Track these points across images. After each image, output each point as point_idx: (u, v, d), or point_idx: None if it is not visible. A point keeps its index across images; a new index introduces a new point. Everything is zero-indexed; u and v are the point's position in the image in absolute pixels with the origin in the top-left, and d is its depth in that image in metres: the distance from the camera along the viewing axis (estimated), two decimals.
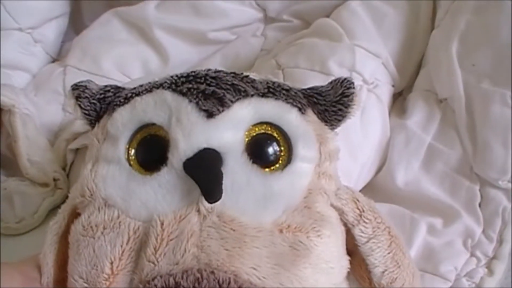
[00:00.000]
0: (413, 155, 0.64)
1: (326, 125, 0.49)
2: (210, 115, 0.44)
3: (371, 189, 0.64)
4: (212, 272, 0.40)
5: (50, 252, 0.46)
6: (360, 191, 0.64)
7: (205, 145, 0.43)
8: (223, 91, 0.45)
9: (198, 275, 0.40)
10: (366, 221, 0.47)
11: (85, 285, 0.42)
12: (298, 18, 0.79)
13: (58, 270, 0.46)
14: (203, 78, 0.47)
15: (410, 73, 0.71)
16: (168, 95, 0.46)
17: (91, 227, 0.43)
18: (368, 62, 0.67)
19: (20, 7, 0.75)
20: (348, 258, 0.46)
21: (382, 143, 0.65)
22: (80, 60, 0.76)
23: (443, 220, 0.61)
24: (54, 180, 0.66)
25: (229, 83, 0.46)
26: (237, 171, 0.43)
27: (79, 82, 0.50)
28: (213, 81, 0.46)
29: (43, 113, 0.70)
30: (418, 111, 0.66)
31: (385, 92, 0.68)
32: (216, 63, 0.78)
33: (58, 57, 0.83)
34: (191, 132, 0.43)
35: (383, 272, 0.46)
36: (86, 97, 0.48)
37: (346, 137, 0.62)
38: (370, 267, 0.46)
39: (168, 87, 0.47)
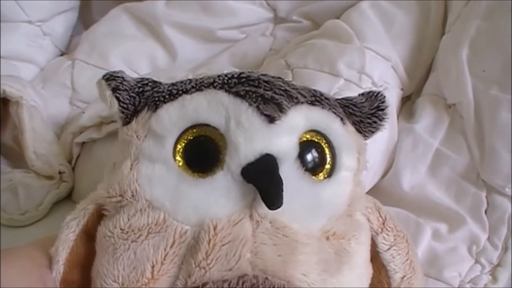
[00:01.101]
0: (420, 160, 0.64)
1: (360, 135, 0.49)
2: (271, 120, 0.43)
3: (377, 192, 0.64)
4: (267, 278, 0.39)
5: (63, 250, 0.44)
6: (366, 194, 0.64)
7: (266, 151, 0.42)
8: (279, 96, 0.44)
9: (254, 281, 0.39)
10: (389, 229, 0.47)
11: None
12: (308, 19, 0.79)
13: (68, 269, 0.44)
14: (256, 81, 0.45)
15: (419, 77, 0.71)
16: (224, 96, 0.44)
17: (133, 230, 0.41)
18: (377, 64, 0.67)
19: (30, 0, 0.75)
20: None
21: (389, 146, 0.65)
22: (88, 55, 0.75)
23: (448, 226, 0.61)
24: (60, 173, 0.65)
25: (283, 88, 0.45)
26: (290, 178, 0.42)
27: (114, 72, 0.47)
28: (267, 85, 0.45)
29: (50, 106, 0.70)
30: (426, 116, 0.66)
31: (394, 95, 0.68)
32: (224, 62, 0.78)
33: (67, 50, 0.83)
34: (253, 137, 0.42)
35: (403, 277, 0.47)
36: (125, 89, 0.45)
37: None
38: (390, 273, 0.47)
39: (221, 87, 0.45)
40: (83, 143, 0.67)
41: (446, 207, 0.61)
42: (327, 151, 0.45)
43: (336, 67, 0.65)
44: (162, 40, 0.78)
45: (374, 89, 0.65)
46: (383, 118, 0.49)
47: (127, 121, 0.46)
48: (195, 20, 0.77)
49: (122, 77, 0.46)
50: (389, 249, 0.47)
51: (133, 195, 0.43)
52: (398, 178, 0.63)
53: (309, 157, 0.44)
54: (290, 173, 0.42)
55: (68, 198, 0.66)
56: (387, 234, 0.47)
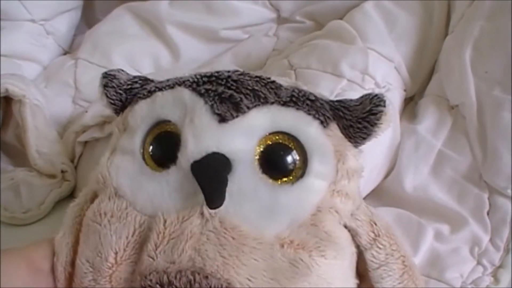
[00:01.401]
0: (422, 160, 0.64)
1: (350, 141, 0.46)
2: (222, 119, 0.43)
3: (379, 193, 0.64)
4: (206, 277, 0.40)
5: (71, 233, 0.47)
6: (368, 194, 0.64)
7: (214, 149, 0.42)
8: (241, 95, 0.44)
9: (191, 277, 0.40)
10: (380, 246, 0.45)
11: (90, 269, 0.43)
12: (311, 20, 0.79)
13: (76, 252, 0.46)
14: (224, 80, 0.46)
15: (422, 78, 0.71)
16: (187, 94, 0.45)
17: (100, 214, 0.44)
18: (380, 65, 0.67)
19: None
20: (357, 281, 0.45)
21: (391, 147, 0.65)
22: (91, 54, 0.76)
23: (450, 227, 0.60)
24: (62, 172, 0.65)
25: (250, 88, 0.45)
26: (245, 179, 0.42)
27: (109, 71, 0.50)
28: (234, 84, 0.45)
29: (53, 104, 0.70)
30: (429, 117, 0.66)
31: (397, 96, 0.68)
32: (227, 62, 0.78)
33: (70, 49, 0.83)
34: (201, 134, 0.43)
35: None
36: (113, 86, 0.49)
37: None
38: None
39: (189, 86, 0.46)
40: (86, 142, 0.67)
41: (448, 208, 0.61)
42: (296, 154, 0.44)
43: (339, 67, 0.65)
44: (165, 39, 0.78)
45: (376, 90, 0.65)
46: (375, 124, 0.45)
47: (117, 115, 0.50)
48: (198, 20, 0.77)
49: (114, 75, 0.50)
50: (378, 268, 0.45)
51: (104, 182, 0.46)
52: (401, 178, 0.63)
53: (272, 159, 0.43)
54: (245, 175, 0.42)
55: (71, 197, 0.66)
56: (377, 252, 0.45)
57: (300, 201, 0.43)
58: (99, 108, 0.64)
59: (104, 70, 0.70)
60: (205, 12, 0.78)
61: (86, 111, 0.67)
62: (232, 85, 0.45)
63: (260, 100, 0.45)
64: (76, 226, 0.47)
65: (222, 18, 0.78)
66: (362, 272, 0.46)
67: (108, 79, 0.49)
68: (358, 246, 0.45)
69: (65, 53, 0.82)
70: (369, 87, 0.65)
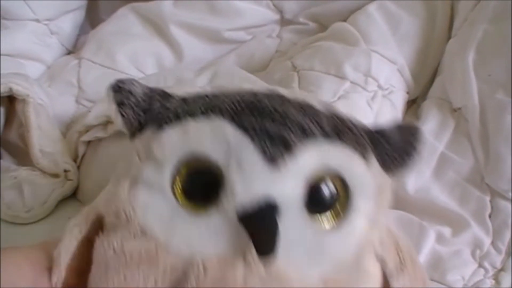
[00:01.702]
0: (425, 163, 0.64)
1: (386, 171, 0.45)
2: (275, 163, 0.40)
3: None
4: None
5: (66, 255, 0.43)
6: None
7: (266, 197, 0.39)
8: (288, 132, 0.41)
9: None
10: (405, 270, 0.44)
11: None
12: (315, 21, 0.79)
13: (70, 274, 0.43)
14: (267, 110, 0.42)
15: (425, 80, 0.71)
16: (229, 129, 0.41)
17: (124, 254, 0.40)
18: (383, 67, 0.67)
19: None
20: None
21: None
22: (95, 53, 0.76)
23: (452, 229, 0.61)
24: (65, 171, 0.65)
25: (295, 120, 0.42)
26: (292, 225, 0.40)
27: (121, 83, 0.45)
28: (277, 115, 0.42)
29: (56, 104, 0.70)
30: (432, 119, 0.66)
31: (399, 98, 0.68)
32: (230, 63, 0.78)
33: (74, 49, 0.83)
34: (252, 180, 0.40)
35: None
36: (130, 106, 0.44)
37: None
38: None
39: (229, 117, 0.42)
40: (89, 141, 0.67)
41: (450, 211, 0.61)
42: (341, 196, 0.42)
43: (342, 69, 0.66)
44: (168, 40, 0.78)
45: (379, 92, 0.65)
46: (414, 157, 0.44)
47: (132, 135, 0.45)
48: (201, 21, 0.78)
49: (129, 91, 0.44)
50: None
51: (127, 218, 0.41)
52: (403, 180, 0.63)
53: (317, 199, 0.41)
54: (292, 221, 0.40)
55: (73, 197, 0.67)
56: (403, 277, 0.43)
57: (344, 243, 0.41)
58: (103, 108, 0.64)
59: (108, 70, 0.72)
60: (209, 13, 0.78)
61: (90, 111, 0.67)
62: (275, 116, 0.42)
63: (306, 134, 0.42)
64: (72, 250, 0.43)
65: (226, 19, 0.78)
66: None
67: (123, 96, 0.44)
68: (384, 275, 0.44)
69: (69, 52, 0.82)
70: (372, 89, 0.65)
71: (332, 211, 0.41)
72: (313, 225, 0.41)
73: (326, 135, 0.42)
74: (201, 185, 0.41)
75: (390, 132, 0.46)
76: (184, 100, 0.45)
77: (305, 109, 0.44)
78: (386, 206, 0.45)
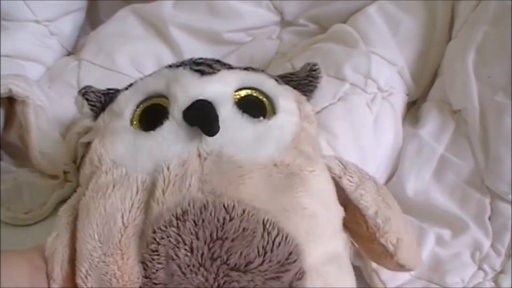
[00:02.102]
0: (425, 165, 0.64)
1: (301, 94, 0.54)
2: (202, 73, 0.50)
3: None
4: (219, 196, 0.43)
5: (66, 231, 0.47)
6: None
7: (200, 97, 0.47)
8: (211, 62, 0.53)
9: (204, 201, 0.43)
10: (351, 172, 0.50)
11: (99, 244, 0.44)
12: (315, 23, 0.79)
13: (73, 249, 0.46)
14: (192, 59, 0.54)
15: (425, 82, 0.71)
16: (165, 70, 0.53)
17: (100, 188, 0.45)
18: (383, 69, 0.67)
19: (38, 0, 0.76)
20: (342, 208, 0.49)
21: (394, 151, 0.65)
22: (95, 55, 0.76)
23: (452, 232, 0.60)
24: (64, 172, 0.66)
25: (217, 61, 0.54)
26: (229, 117, 0.47)
27: (85, 86, 0.55)
28: (201, 59, 0.53)
29: (56, 105, 0.70)
30: (432, 121, 0.66)
31: (399, 100, 0.68)
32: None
33: (73, 50, 0.83)
34: (188, 86, 0.49)
35: (376, 212, 0.50)
36: (92, 91, 0.54)
37: (358, 144, 0.63)
38: (363, 211, 0.50)
39: (168, 66, 0.54)
40: (88, 143, 0.67)
41: (450, 213, 0.61)
42: (264, 102, 0.50)
43: (342, 71, 0.66)
44: (168, 41, 0.78)
45: (379, 94, 0.65)
46: (318, 76, 0.55)
47: (96, 117, 0.53)
48: (201, 22, 0.78)
49: (90, 86, 0.55)
50: (356, 189, 0.50)
51: (99, 159, 0.48)
52: (403, 183, 0.63)
53: (247, 106, 0.49)
54: (228, 114, 0.47)
55: None
56: (351, 176, 0.50)
57: (280, 129, 0.48)
58: None
59: (108, 71, 0.73)
60: (209, 14, 0.78)
61: None
62: (203, 61, 0.53)
63: (226, 66, 0.54)
64: (71, 225, 0.47)
65: (226, 21, 0.78)
66: (343, 203, 0.49)
67: (86, 89, 0.54)
68: (333, 179, 0.50)
69: (69, 54, 0.82)
70: (372, 91, 0.65)
71: (262, 114, 0.49)
72: (249, 119, 0.48)
73: (242, 68, 0.54)
74: (154, 113, 0.49)
75: (294, 72, 0.57)
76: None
77: (222, 61, 0.56)
78: (312, 124, 0.53)
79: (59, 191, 0.65)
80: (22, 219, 0.63)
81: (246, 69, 0.54)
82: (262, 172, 0.45)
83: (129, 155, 0.47)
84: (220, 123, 0.45)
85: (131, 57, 0.76)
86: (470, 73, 0.63)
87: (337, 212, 0.48)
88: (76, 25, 0.83)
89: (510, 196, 0.60)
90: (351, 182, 0.50)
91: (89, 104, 0.53)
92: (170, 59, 0.78)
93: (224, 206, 0.42)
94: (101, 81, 0.71)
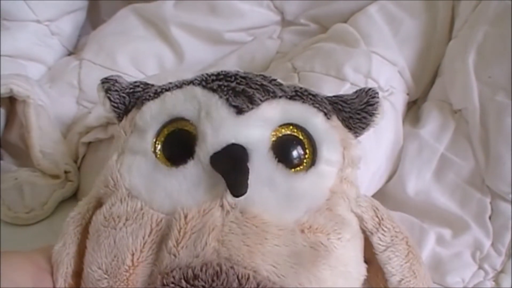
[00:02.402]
0: (425, 165, 0.64)
1: (350, 132, 0.49)
2: (239, 111, 0.45)
3: (382, 197, 0.64)
4: (232, 267, 0.40)
5: (72, 243, 0.46)
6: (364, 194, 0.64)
7: (233, 141, 0.43)
8: (253, 90, 0.46)
9: (218, 268, 0.40)
10: (385, 229, 0.47)
11: (105, 276, 0.42)
12: (315, 23, 0.79)
13: (79, 261, 0.45)
14: (233, 77, 0.47)
15: (425, 82, 0.71)
16: (198, 91, 0.46)
17: (113, 218, 0.43)
18: (384, 69, 0.67)
19: (38, 0, 0.76)
20: (366, 266, 0.46)
21: (394, 151, 0.65)
22: (96, 54, 0.76)
23: (452, 231, 0.61)
24: (65, 172, 0.66)
25: (259, 83, 0.47)
26: (262, 168, 0.43)
27: (109, 76, 0.50)
28: (243, 80, 0.47)
29: (57, 105, 0.71)
30: (432, 121, 0.66)
31: (400, 100, 0.68)
32: (231, 64, 0.78)
33: (74, 50, 0.83)
34: (220, 127, 0.44)
35: (400, 281, 0.46)
36: (116, 90, 0.49)
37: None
38: (387, 276, 0.46)
39: (199, 84, 0.47)
40: (89, 143, 0.67)
41: (450, 213, 0.61)
42: (306, 144, 0.46)
43: (342, 71, 0.65)
44: (169, 41, 0.78)
45: (379, 93, 0.65)
46: (373, 114, 0.49)
47: (119, 119, 0.49)
48: (202, 22, 0.78)
49: (115, 80, 0.50)
50: (385, 250, 0.46)
51: (115, 184, 0.45)
52: (403, 182, 0.63)
53: (284, 150, 0.45)
54: (261, 164, 0.43)
55: (73, 198, 0.67)
56: (383, 235, 0.46)
57: (315, 187, 0.44)
58: (103, 109, 0.65)
59: (109, 71, 0.72)
60: (209, 14, 0.78)
61: (90, 112, 0.67)
62: (241, 81, 0.47)
63: (269, 94, 0.46)
64: (78, 236, 0.46)
65: (226, 20, 0.78)
66: (368, 257, 0.46)
67: (110, 84, 0.50)
68: (364, 232, 0.46)
69: (70, 53, 0.82)
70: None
71: (300, 159, 0.45)
72: (283, 170, 0.44)
73: (288, 96, 0.47)
74: (179, 143, 0.46)
75: (349, 97, 0.50)
76: (164, 84, 0.50)
77: (269, 79, 0.49)
78: (355, 167, 0.48)
79: (60, 191, 0.65)
80: (23, 218, 0.63)
81: (296, 93, 0.48)
82: (287, 238, 0.42)
83: (146, 189, 0.44)
84: (250, 174, 0.41)
85: (132, 57, 0.76)
86: (471, 73, 0.63)
87: (359, 277, 0.45)
88: (77, 24, 0.83)
89: (510, 195, 0.60)
90: (381, 241, 0.46)
91: (112, 106, 0.49)
92: (171, 58, 0.78)
93: (238, 277, 0.39)
94: None
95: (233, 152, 0.43)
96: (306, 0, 0.78)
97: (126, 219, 0.43)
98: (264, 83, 0.47)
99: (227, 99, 0.45)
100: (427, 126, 0.66)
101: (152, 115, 0.47)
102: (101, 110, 0.65)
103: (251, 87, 0.46)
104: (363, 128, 0.49)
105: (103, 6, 0.88)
